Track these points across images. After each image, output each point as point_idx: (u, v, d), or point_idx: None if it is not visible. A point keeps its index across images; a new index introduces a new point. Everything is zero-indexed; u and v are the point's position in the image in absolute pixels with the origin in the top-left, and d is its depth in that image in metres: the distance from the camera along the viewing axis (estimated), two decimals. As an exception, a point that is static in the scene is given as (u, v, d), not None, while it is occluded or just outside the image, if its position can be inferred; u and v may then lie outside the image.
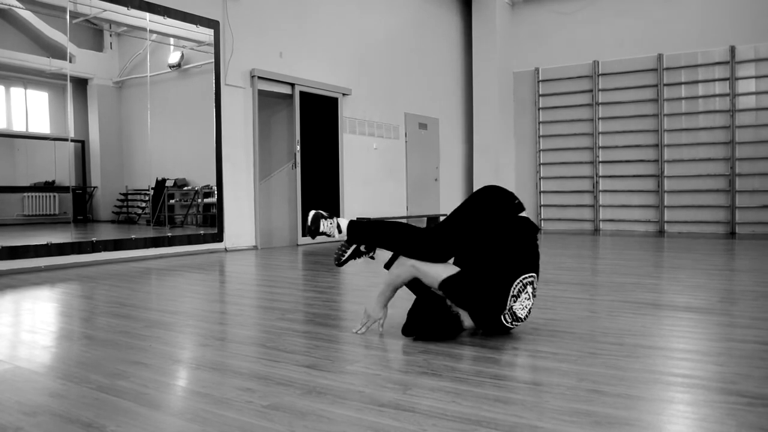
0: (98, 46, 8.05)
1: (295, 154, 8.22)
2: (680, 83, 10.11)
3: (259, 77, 7.73)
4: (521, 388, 2.07)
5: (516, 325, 2.75)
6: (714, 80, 9.88)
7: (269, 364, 2.43)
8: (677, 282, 4.74)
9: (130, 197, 8.14)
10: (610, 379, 2.17)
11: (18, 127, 7.58)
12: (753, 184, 9.61)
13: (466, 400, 1.96)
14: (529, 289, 2.72)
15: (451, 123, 11.61)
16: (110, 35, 8.02)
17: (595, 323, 3.11)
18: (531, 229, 2.80)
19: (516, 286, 2.68)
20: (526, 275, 2.71)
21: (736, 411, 1.84)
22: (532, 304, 2.76)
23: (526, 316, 2.74)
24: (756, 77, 9.60)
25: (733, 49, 9.65)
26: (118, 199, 8.15)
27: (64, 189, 7.37)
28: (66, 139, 7.08)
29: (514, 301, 2.68)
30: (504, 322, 2.71)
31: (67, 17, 6.23)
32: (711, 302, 3.76)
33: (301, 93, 8.31)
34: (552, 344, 2.67)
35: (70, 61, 6.98)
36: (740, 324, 3.13)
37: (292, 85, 8.21)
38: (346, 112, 9.13)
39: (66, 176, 7.15)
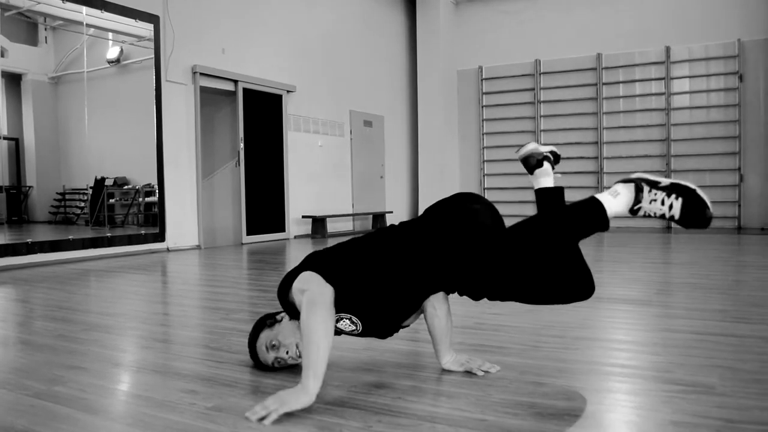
0: (32, 40, 7.77)
1: (239, 151, 8.12)
2: (618, 82, 10.39)
3: (201, 74, 7.61)
4: (465, 383, 2.09)
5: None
6: (650, 80, 10.18)
7: (213, 365, 2.39)
8: (616, 275, 4.87)
9: (67, 197, 7.90)
10: (551, 371, 2.21)
11: (-54, 124, 7.27)
12: (687, 180, 9.91)
13: (411, 395, 1.97)
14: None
15: (396, 120, 11.65)
16: (45, 29, 7.76)
17: (538, 317, 3.17)
18: None
19: None
20: None
21: (671, 398, 1.90)
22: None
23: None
24: (690, 77, 9.93)
25: (668, 50, 9.95)
26: (55, 199, 7.89)
27: (-4, 188, 7.09)
28: (-2, 137, 6.82)
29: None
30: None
31: (-1, 10, 6.01)
32: (648, 294, 3.88)
33: (245, 90, 8.22)
34: (496, 338, 2.71)
35: (2, 56, 6.73)
36: (675, 315, 3.23)
37: (235, 81, 8.11)
38: (290, 109, 9.06)
39: (-1, 175, 6.89)
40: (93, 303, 4.08)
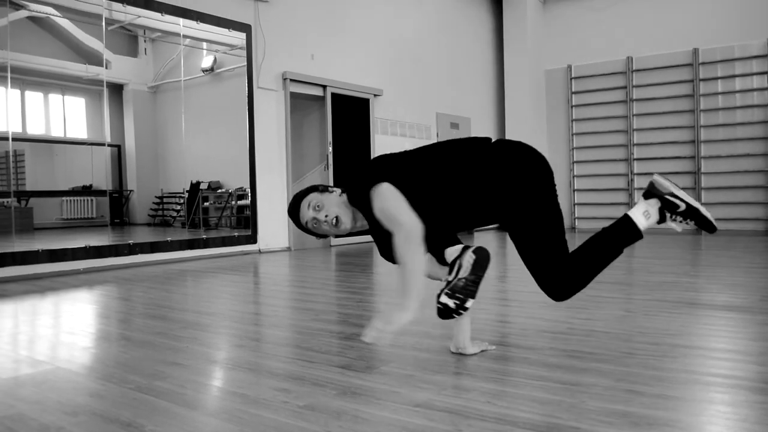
0: (133, 52, 8.18)
1: (328, 155, 8.26)
2: (716, 78, 9.92)
3: (291, 80, 7.78)
4: (557, 389, 2.05)
5: None
6: (752, 74, 9.67)
7: (304, 364, 2.44)
8: (716, 280, 4.65)
9: (165, 200, 8.26)
10: (647, 379, 2.14)
11: (56, 132, 7.75)
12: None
13: (501, 400, 1.95)
14: None
15: (483, 122, 11.55)
16: (144, 41, 8.16)
17: (632, 323, 3.07)
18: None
19: None
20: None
21: (779, 412, 1.80)
22: None
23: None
24: (796, 70, 9.38)
25: (771, 42, 9.44)
26: (153, 202, 8.27)
27: (101, 193, 7.51)
28: (103, 144, 7.21)
29: None
30: None
31: (103, 24, 6.35)
32: (751, 301, 3.68)
33: (333, 94, 8.35)
34: (588, 344, 2.64)
35: (106, 67, 7.11)
36: (782, 323, 3.05)
37: (324, 86, 8.25)
38: (377, 112, 9.14)
39: (103, 180, 7.29)
40: (190, 302, 4.24)
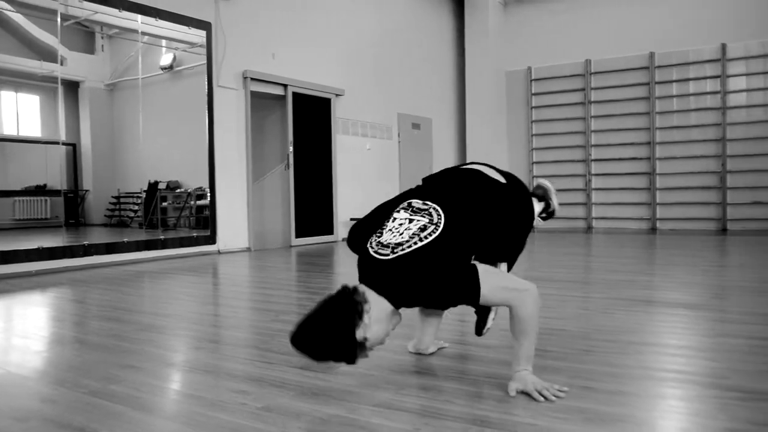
0: (89, 49, 8.02)
1: (288, 155, 8.21)
2: (672, 81, 10.14)
3: (252, 78, 7.71)
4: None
5: None
6: (705, 78, 9.91)
7: (263, 366, 2.42)
8: (670, 279, 4.76)
9: (122, 200, 8.11)
10: (602, 375, 2.17)
11: (9, 130, 7.54)
12: (744, 181, 9.63)
13: (459, 398, 1.96)
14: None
15: (444, 123, 11.62)
16: (101, 37, 7.99)
17: (589, 321, 3.12)
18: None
19: None
20: None
21: (728, 406, 1.85)
22: None
23: None
24: (746, 74, 9.63)
25: (723, 47, 9.68)
26: (110, 202, 8.12)
27: (55, 193, 7.33)
28: (57, 143, 7.05)
29: None
30: None
31: (58, 20, 6.20)
32: (703, 298, 3.78)
33: (294, 94, 8.30)
34: (545, 342, 2.67)
35: (62, 64, 6.95)
36: (731, 319, 3.14)
37: (285, 86, 8.20)
38: (339, 112, 9.12)
39: (57, 180, 7.12)
40: (147, 304, 4.18)
